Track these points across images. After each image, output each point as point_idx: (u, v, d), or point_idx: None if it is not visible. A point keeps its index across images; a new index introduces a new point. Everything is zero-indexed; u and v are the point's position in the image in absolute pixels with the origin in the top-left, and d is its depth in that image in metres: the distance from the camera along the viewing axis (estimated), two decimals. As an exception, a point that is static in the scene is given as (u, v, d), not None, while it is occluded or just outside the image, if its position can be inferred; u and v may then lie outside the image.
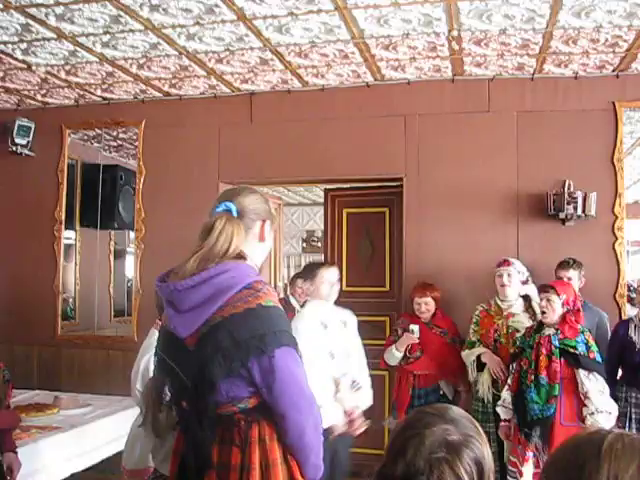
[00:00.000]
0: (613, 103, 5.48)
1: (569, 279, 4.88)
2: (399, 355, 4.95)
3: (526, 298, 4.91)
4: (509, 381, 4.36)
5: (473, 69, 5.47)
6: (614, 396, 4.25)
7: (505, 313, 4.85)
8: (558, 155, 5.52)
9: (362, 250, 6.38)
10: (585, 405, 4.03)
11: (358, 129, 5.85)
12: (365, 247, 6.37)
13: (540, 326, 4.33)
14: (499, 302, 4.91)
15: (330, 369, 4.06)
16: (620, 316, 5.30)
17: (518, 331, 4.67)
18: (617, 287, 5.42)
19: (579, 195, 5.32)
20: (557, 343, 4.15)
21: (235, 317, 2.07)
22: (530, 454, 4.08)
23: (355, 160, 5.81)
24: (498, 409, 4.36)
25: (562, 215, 5.36)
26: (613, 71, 5.41)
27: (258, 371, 2.08)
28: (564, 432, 3.99)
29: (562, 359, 4.11)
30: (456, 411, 1.56)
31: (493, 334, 4.75)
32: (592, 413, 3.99)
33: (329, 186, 6.77)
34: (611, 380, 4.36)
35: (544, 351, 4.15)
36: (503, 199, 5.57)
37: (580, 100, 5.50)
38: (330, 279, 4.27)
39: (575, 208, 5.32)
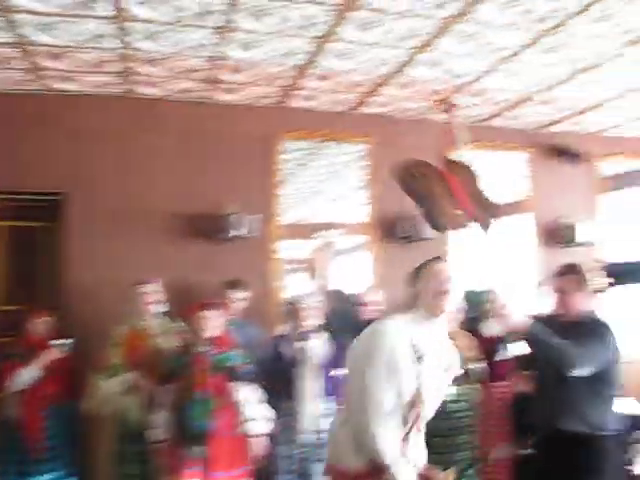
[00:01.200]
0: (274, 133, 5.89)
1: (241, 299, 5.13)
2: (37, 374, 4.72)
3: (165, 315, 4.97)
4: (162, 401, 4.29)
5: (142, 88, 5.48)
6: (275, 406, 4.51)
7: (151, 333, 4.79)
8: (225, 178, 5.76)
9: (22, 265, 6.01)
10: (241, 414, 4.21)
11: (20, 139, 5.48)
12: (27, 262, 6.01)
13: (192, 343, 4.36)
14: (142, 322, 4.83)
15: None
16: (273, 331, 5.68)
17: (166, 351, 4.71)
18: (272, 304, 5.81)
19: (241, 217, 5.59)
20: (213, 358, 4.24)
21: None
22: (196, 469, 4.14)
23: (14, 170, 5.41)
24: (151, 432, 4.26)
25: (223, 235, 5.60)
26: (276, 103, 5.82)
27: None
28: (224, 443, 4.12)
29: (219, 373, 4.23)
30: None
31: (144, 355, 4.66)
32: (247, 421, 4.19)
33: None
34: (271, 390, 4.61)
35: (201, 367, 4.20)
36: (168, 218, 5.63)
37: (246, 127, 5.82)
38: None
39: (235, 229, 5.58)
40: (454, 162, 3.98)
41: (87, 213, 5.49)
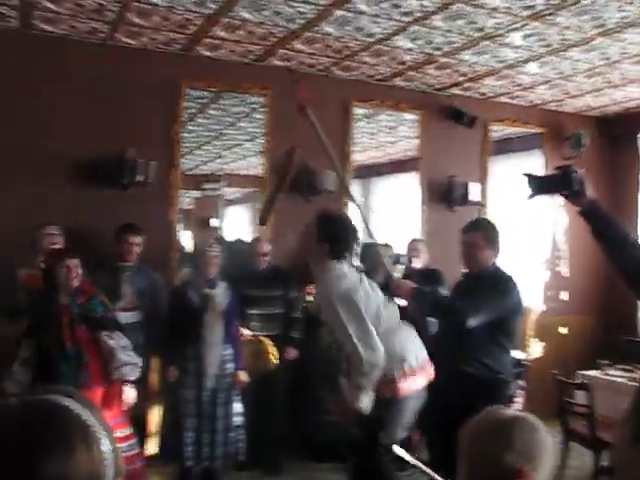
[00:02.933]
0: (177, 80, 5.83)
1: (136, 244, 5.11)
2: None
3: None
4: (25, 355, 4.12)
5: (43, 25, 5.25)
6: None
7: None
8: (123, 123, 5.63)
9: None
10: (111, 362, 4.15)
11: None
12: None
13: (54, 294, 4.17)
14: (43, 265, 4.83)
15: None
16: (173, 278, 5.73)
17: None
18: (171, 252, 5.82)
19: (140, 163, 5.52)
20: (77, 310, 4.14)
21: None
22: None
23: None
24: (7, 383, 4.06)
25: (124, 181, 5.52)
26: (181, 50, 5.75)
27: None
28: (98, 395, 4.06)
29: (86, 324, 4.14)
30: None
31: None
32: (119, 367, 4.15)
33: None
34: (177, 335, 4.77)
35: (68, 319, 4.09)
36: (70, 162, 5.44)
37: (148, 73, 5.70)
38: None
39: (136, 175, 5.51)
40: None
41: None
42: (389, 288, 4.03)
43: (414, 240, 6.17)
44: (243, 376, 4.93)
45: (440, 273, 5.70)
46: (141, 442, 5.04)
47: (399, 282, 4.03)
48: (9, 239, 4.93)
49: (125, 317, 4.94)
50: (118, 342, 4.18)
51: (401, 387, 3.51)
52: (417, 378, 3.57)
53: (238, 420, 4.88)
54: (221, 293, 4.90)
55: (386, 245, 5.88)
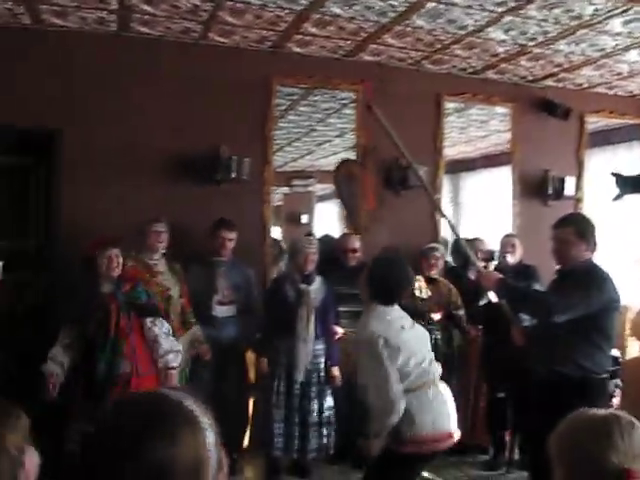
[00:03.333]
0: (268, 77, 5.89)
1: (230, 239, 5.21)
2: None
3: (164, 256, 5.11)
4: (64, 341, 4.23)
5: (139, 27, 5.40)
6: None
7: (157, 270, 4.98)
8: (215, 120, 5.72)
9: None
10: (155, 350, 4.21)
11: (14, 75, 5.33)
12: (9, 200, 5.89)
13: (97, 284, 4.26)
14: (148, 259, 4.99)
15: None
16: (266, 273, 5.80)
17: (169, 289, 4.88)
18: (264, 247, 5.90)
19: (234, 160, 5.62)
20: (122, 298, 4.20)
21: None
22: None
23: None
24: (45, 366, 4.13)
25: (218, 177, 5.63)
26: (271, 47, 5.81)
27: None
28: (141, 383, 4.07)
29: (130, 311, 4.19)
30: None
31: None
32: (163, 355, 4.20)
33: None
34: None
35: (114, 307, 4.15)
36: (162, 160, 5.59)
37: (239, 71, 5.78)
38: None
39: (230, 172, 5.61)
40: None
41: (80, 151, 5.39)
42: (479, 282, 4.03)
43: (507, 235, 6.06)
44: (336, 371, 4.95)
45: (535, 269, 5.59)
46: (241, 433, 5.14)
47: (486, 273, 4.07)
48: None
49: (221, 311, 5.09)
50: (161, 329, 4.25)
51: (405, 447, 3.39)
52: (423, 446, 3.39)
53: (329, 414, 4.91)
54: (316, 289, 4.94)
55: (477, 239, 5.80)
